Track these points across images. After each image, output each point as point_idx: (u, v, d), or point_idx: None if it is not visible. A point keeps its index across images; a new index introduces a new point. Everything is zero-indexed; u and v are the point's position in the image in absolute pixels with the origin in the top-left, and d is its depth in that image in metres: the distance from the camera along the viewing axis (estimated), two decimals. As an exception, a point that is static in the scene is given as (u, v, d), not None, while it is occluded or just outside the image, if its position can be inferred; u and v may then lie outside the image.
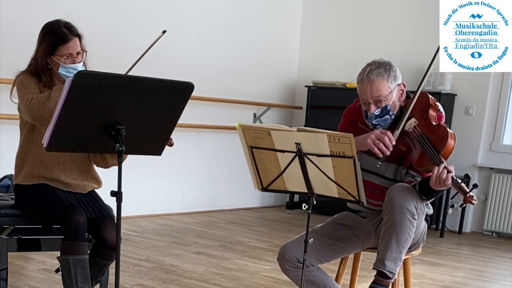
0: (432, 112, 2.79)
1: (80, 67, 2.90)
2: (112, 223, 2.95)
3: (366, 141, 2.69)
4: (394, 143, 2.70)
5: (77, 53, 2.91)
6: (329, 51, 7.50)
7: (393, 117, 2.82)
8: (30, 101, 2.78)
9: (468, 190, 2.61)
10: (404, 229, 2.66)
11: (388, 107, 2.78)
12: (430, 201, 2.81)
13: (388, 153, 2.69)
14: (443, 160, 2.64)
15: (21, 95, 2.86)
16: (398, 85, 2.82)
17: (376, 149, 2.68)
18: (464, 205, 2.68)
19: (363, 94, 2.79)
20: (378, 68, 2.76)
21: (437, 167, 2.61)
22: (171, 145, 2.78)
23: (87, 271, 2.79)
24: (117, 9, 5.79)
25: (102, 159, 3.02)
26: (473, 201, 2.60)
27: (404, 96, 2.87)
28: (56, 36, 2.89)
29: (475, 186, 2.66)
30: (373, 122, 2.80)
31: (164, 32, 2.87)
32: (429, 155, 2.66)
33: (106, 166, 3.05)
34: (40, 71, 2.91)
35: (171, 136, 2.74)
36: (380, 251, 2.72)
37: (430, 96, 2.84)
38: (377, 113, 2.78)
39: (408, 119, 2.79)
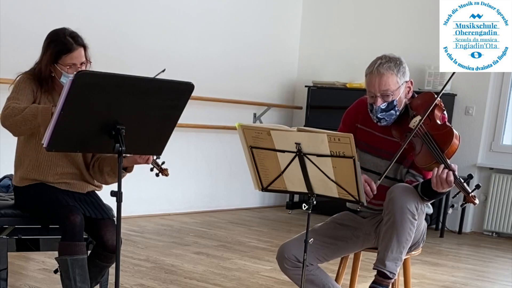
0: (437, 112, 2.80)
1: None
2: (112, 225, 2.93)
3: None
4: (374, 193, 2.69)
5: (81, 63, 2.89)
6: (329, 51, 7.50)
7: (397, 113, 2.82)
8: (6, 109, 2.80)
9: (470, 190, 2.61)
10: (405, 229, 2.66)
11: (395, 102, 2.79)
12: (431, 201, 2.81)
13: (364, 203, 2.51)
14: (446, 159, 2.64)
15: (11, 96, 2.88)
16: (406, 81, 2.83)
17: None
18: (465, 205, 2.68)
19: (371, 86, 2.79)
20: (389, 62, 2.77)
21: (436, 168, 2.61)
22: (166, 175, 2.97)
23: (86, 271, 2.78)
24: (117, 9, 5.78)
25: (100, 175, 3.03)
26: (475, 201, 2.59)
27: (410, 94, 2.88)
28: (61, 45, 2.87)
29: (477, 186, 2.65)
30: (378, 115, 2.81)
31: (163, 70, 2.89)
32: (433, 153, 2.66)
33: (105, 183, 3.06)
34: (43, 78, 2.91)
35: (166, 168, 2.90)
36: (381, 251, 2.72)
37: (436, 96, 2.84)
38: (383, 107, 2.79)
39: (413, 117, 2.80)
